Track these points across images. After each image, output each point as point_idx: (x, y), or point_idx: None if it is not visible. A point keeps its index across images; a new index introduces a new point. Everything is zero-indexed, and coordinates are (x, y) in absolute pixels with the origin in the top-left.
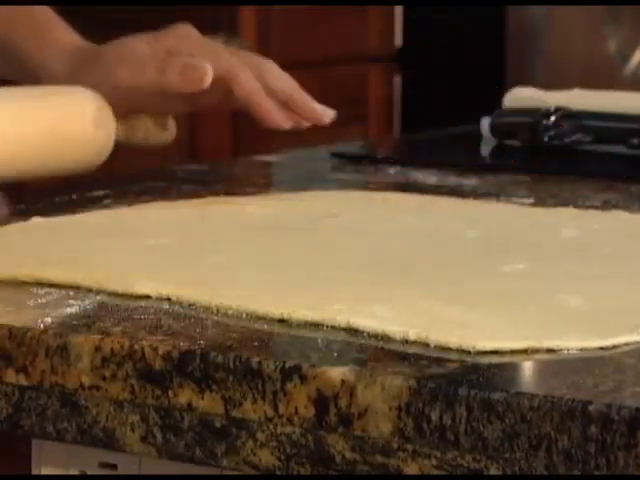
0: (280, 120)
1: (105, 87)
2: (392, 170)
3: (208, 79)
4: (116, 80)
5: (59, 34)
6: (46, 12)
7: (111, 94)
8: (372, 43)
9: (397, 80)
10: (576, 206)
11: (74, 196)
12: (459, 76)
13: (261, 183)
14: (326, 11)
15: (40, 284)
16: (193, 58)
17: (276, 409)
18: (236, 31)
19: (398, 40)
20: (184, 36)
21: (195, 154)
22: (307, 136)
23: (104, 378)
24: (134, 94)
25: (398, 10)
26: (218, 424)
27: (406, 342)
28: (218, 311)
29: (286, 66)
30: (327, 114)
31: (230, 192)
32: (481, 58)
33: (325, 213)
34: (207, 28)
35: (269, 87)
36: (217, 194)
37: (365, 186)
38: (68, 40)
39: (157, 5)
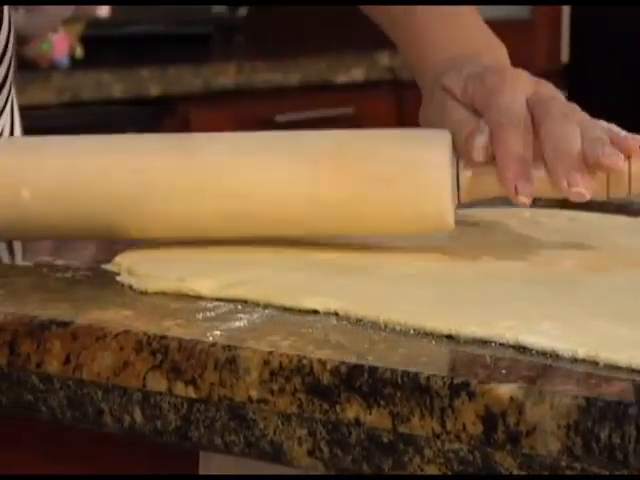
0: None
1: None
2: None
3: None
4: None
5: (431, 46)
6: (429, 13)
7: None
8: (538, 59)
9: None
10: None
11: None
12: (627, 93)
13: None
14: (492, 26)
15: (209, 297)
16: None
17: (444, 425)
18: None
19: (565, 56)
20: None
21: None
22: None
23: (272, 392)
24: None
25: (565, 26)
26: (385, 439)
27: (575, 360)
28: (386, 326)
29: None
30: None
31: None
32: None
33: (495, 229)
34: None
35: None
36: None
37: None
38: (437, 55)
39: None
